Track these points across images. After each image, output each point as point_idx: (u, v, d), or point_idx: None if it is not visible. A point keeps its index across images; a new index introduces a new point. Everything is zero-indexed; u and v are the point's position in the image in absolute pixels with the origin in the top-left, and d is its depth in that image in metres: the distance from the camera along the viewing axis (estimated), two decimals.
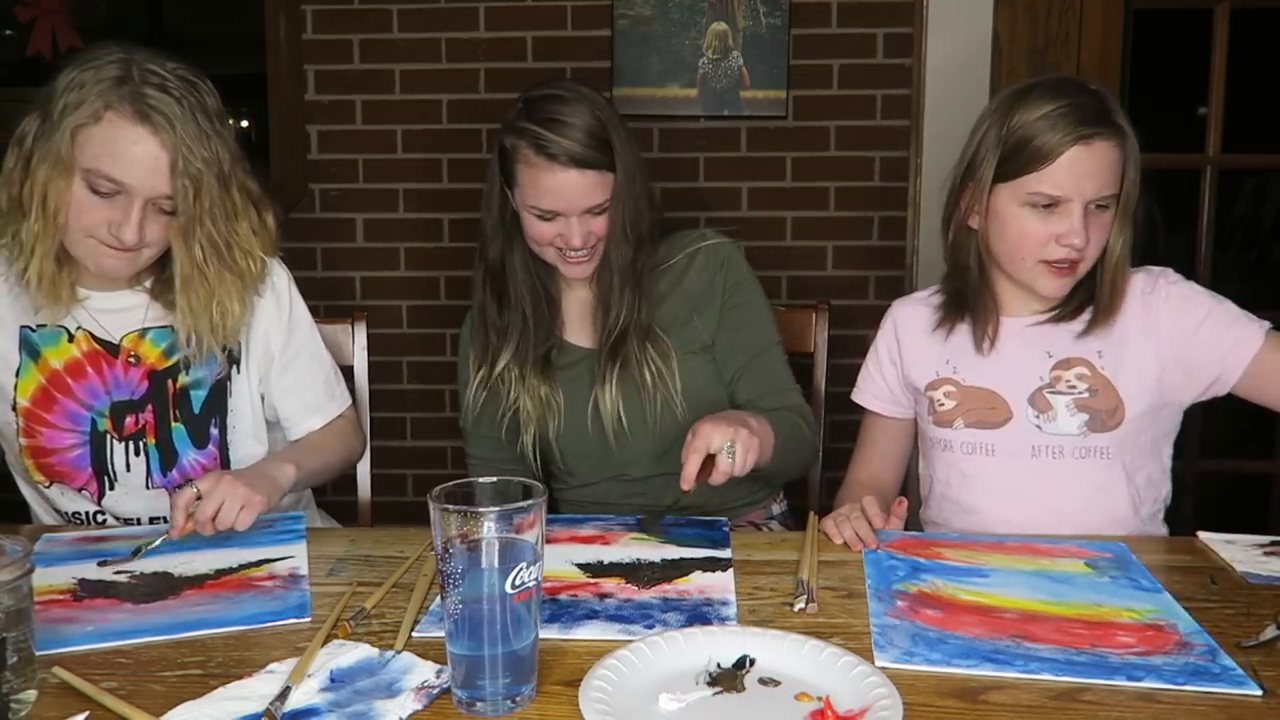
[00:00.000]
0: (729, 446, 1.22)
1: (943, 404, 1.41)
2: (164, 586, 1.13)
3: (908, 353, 1.47)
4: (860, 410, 1.56)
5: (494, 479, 0.90)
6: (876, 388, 1.52)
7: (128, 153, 1.24)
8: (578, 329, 1.57)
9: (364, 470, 1.72)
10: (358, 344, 1.74)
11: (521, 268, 1.52)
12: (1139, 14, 2.49)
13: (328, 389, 1.53)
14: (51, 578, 1.14)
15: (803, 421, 1.51)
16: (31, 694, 0.87)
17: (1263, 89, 2.43)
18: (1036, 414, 1.36)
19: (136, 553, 1.19)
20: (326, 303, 2.47)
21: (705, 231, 1.59)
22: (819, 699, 0.85)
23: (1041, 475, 1.35)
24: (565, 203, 1.41)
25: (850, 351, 2.59)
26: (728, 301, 1.55)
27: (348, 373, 1.71)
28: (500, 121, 1.46)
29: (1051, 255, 1.30)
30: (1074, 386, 1.35)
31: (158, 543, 1.21)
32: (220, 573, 1.16)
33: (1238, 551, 1.20)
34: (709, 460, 1.23)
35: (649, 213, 1.49)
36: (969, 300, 1.40)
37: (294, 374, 1.49)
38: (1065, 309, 1.37)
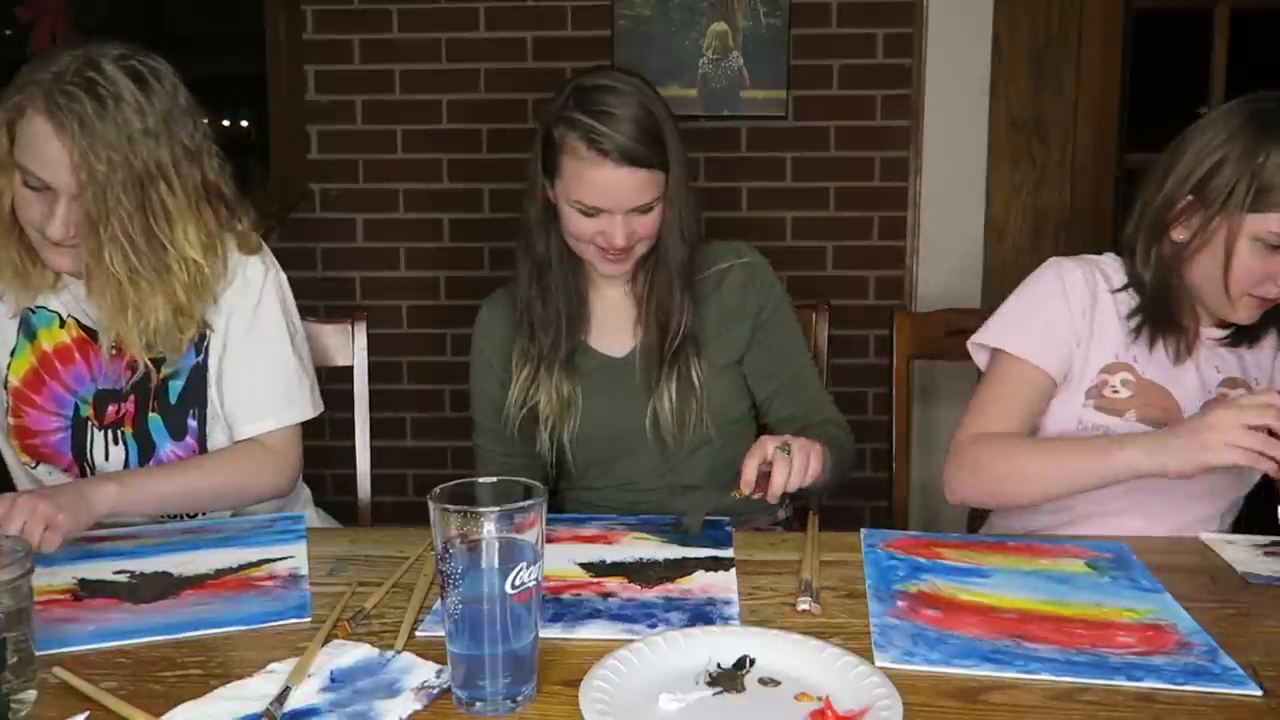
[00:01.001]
0: (783, 448, 1.22)
1: (1116, 391, 1.35)
2: (164, 586, 1.13)
3: (1100, 321, 1.37)
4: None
5: (494, 479, 0.90)
6: (1048, 336, 1.37)
7: (42, 149, 1.25)
8: (603, 334, 1.54)
9: (364, 470, 1.72)
10: (358, 344, 1.74)
11: (557, 261, 1.49)
12: (1139, 14, 2.49)
13: (286, 394, 1.45)
14: (51, 578, 1.14)
15: (842, 433, 1.50)
16: (31, 694, 0.87)
17: (1263, 89, 2.42)
18: None
19: None
20: (326, 303, 2.48)
21: (739, 246, 1.56)
22: (819, 699, 0.85)
23: (1188, 483, 1.30)
24: (612, 200, 1.38)
25: (850, 351, 2.60)
26: (763, 323, 1.53)
27: (346, 373, 1.71)
28: (547, 109, 1.42)
29: (1265, 292, 1.27)
30: None
31: None
32: (220, 573, 1.16)
33: (1238, 551, 1.20)
34: (764, 476, 1.22)
35: (698, 214, 1.47)
36: (1174, 315, 1.34)
37: (247, 370, 1.42)
38: (1245, 335, 1.37)
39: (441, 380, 2.69)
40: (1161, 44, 2.66)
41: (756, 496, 1.23)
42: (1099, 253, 1.44)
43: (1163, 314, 1.35)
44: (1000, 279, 2.54)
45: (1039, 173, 2.49)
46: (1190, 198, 1.29)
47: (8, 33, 2.89)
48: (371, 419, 1.73)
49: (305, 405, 1.46)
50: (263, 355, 1.43)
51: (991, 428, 1.34)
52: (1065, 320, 1.37)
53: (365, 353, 1.75)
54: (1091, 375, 1.37)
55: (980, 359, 1.45)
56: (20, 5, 2.80)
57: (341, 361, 1.72)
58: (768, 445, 1.23)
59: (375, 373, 1.79)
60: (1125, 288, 1.37)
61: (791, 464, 1.22)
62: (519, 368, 1.51)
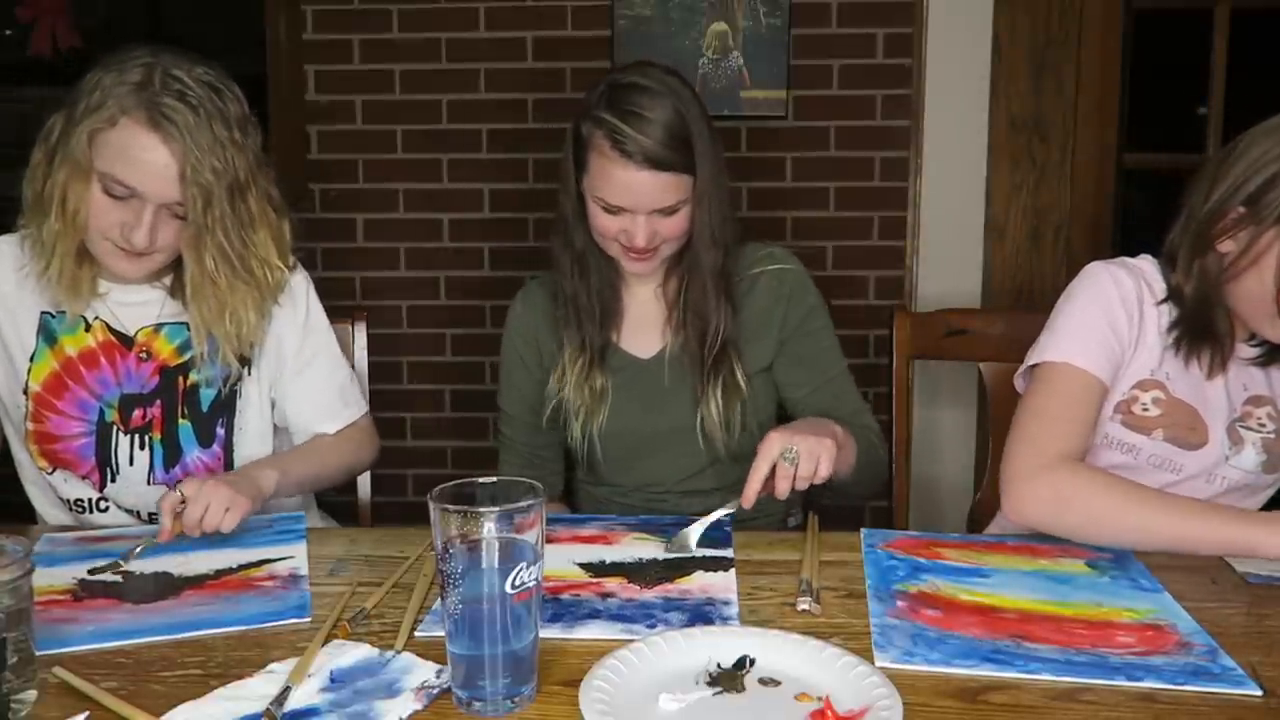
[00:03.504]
0: (788, 453, 1.20)
1: (1146, 409, 1.32)
2: (164, 586, 1.13)
3: (1143, 334, 1.32)
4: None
5: (494, 479, 0.90)
6: (1104, 344, 1.31)
7: (139, 159, 1.26)
8: (631, 334, 1.54)
9: None
10: (358, 344, 1.75)
11: (593, 255, 1.49)
12: (1139, 14, 2.49)
13: (342, 395, 1.53)
14: (51, 578, 1.14)
15: (876, 440, 1.48)
16: (31, 694, 0.87)
17: (1263, 89, 2.43)
18: (1230, 445, 1.32)
19: (125, 558, 1.19)
20: (326, 303, 2.46)
21: (773, 251, 1.54)
22: (819, 699, 0.85)
23: (1203, 496, 1.31)
24: (634, 201, 1.38)
25: (850, 352, 2.59)
26: (794, 332, 1.51)
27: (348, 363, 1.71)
28: (581, 102, 1.43)
29: None
30: (1263, 424, 1.33)
31: (140, 549, 1.20)
32: (220, 573, 1.16)
33: None
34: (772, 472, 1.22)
35: (733, 216, 1.46)
36: (1213, 329, 1.30)
37: (308, 378, 1.49)
38: (1277, 354, 1.33)
39: (441, 380, 2.69)
40: (1161, 44, 2.66)
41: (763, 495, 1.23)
42: (1099, 255, 1.43)
43: (1202, 328, 1.30)
44: (1000, 279, 2.53)
45: (1039, 173, 2.49)
46: (1241, 210, 1.23)
47: (8, 33, 2.89)
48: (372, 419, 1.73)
49: (361, 401, 1.58)
50: (327, 359, 1.52)
51: (1061, 445, 1.25)
52: (1121, 328, 1.32)
53: (365, 353, 1.75)
54: (1124, 389, 1.33)
55: (1020, 383, 1.39)
56: (20, 5, 2.80)
57: None
58: (774, 450, 1.21)
59: (375, 373, 1.79)
60: (1167, 299, 1.33)
61: (796, 473, 1.21)
62: (572, 360, 1.51)
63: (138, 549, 1.21)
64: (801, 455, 1.20)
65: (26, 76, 2.90)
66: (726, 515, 1.24)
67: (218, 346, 1.38)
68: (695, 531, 1.23)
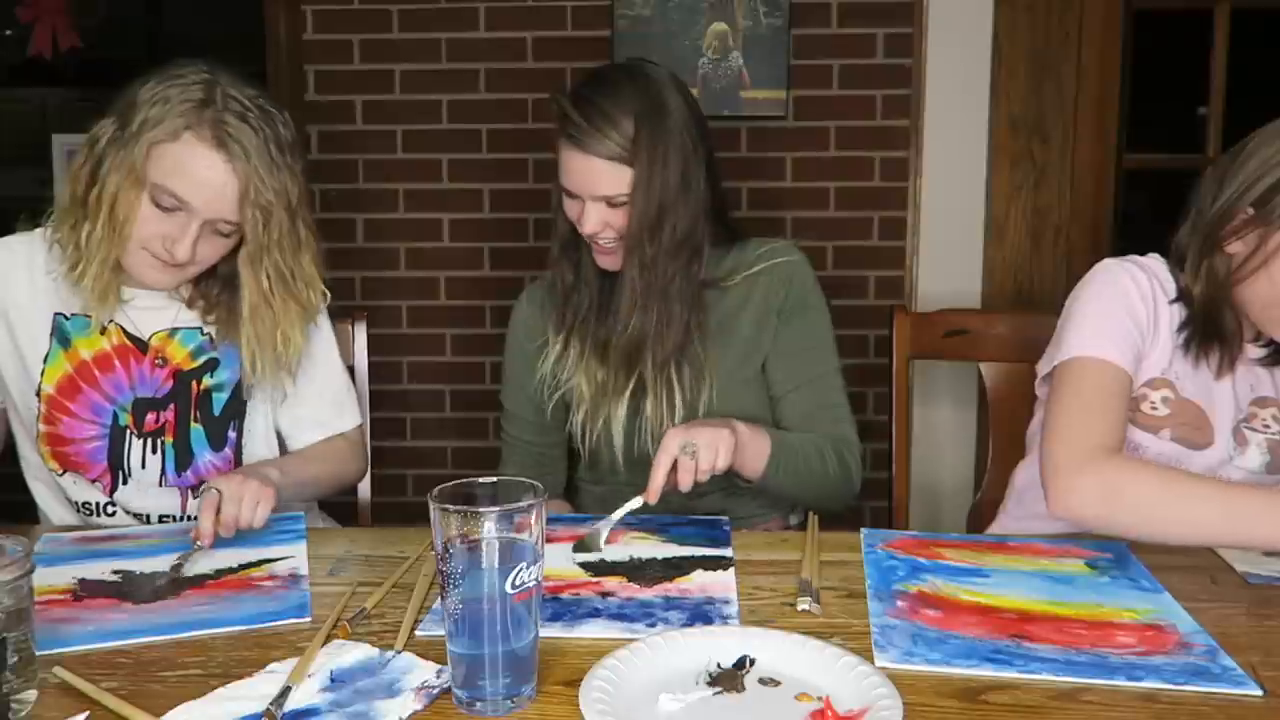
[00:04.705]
0: (688, 447, 1.23)
1: (1155, 408, 1.32)
2: (164, 586, 1.12)
3: (1158, 332, 1.32)
4: None
5: (494, 479, 0.90)
6: (1133, 341, 1.30)
7: (198, 174, 1.26)
8: None
9: None
10: (358, 344, 1.75)
11: (582, 244, 1.48)
12: (1139, 14, 2.49)
13: (336, 404, 1.53)
14: (51, 578, 1.14)
15: (833, 452, 1.45)
16: (31, 694, 0.87)
17: (1263, 89, 2.43)
18: (1235, 446, 1.32)
19: (177, 568, 1.17)
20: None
21: (775, 245, 1.50)
22: (819, 699, 0.85)
23: None
24: (577, 185, 1.40)
25: (850, 351, 2.59)
26: (785, 324, 1.48)
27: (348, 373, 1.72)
28: None
29: None
30: (1268, 426, 1.33)
31: (193, 554, 1.18)
32: (220, 573, 1.16)
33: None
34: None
35: (690, 219, 1.41)
36: (1222, 330, 1.29)
37: (303, 384, 1.49)
38: None
39: (441, 380, 2.68)
40: (1161, 44, 2.66)
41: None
42: (1099, 255, 1.43)
43: (1210, 329, 1.30)
44: (1000, 279, 2.53)
45: (1039, 173, 2.49)
46: (1250, 211, 1.23)
47: (8, 33, 2.90)
48: (372, 419, 1.73)
49: (355, 413, 1.57)
50: (329, 368, 1.52)
51: (1100, 438, 1.22)
52: (1142, 321, 1.31)
53: (365, 353, 1.75)
54: (1135, 387, 1.32)
55: (1042, 389, 1.38)
56: (20, 5, 2.80)
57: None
58: (673, 446, 1.23)
59: (375, 373, 1.79)
60: (1178, 299, 1.33)
61: (696, 465, 1.23)
62: (554, 344, 1.52)
63: (188, 555, 1.18)
64: (700, 448, 1.24)
65: (26, 77, 2.90)
66: (633, 509, 1.26)
67: (267, 371, 1.39)
68: (604, 530, 1.24)
